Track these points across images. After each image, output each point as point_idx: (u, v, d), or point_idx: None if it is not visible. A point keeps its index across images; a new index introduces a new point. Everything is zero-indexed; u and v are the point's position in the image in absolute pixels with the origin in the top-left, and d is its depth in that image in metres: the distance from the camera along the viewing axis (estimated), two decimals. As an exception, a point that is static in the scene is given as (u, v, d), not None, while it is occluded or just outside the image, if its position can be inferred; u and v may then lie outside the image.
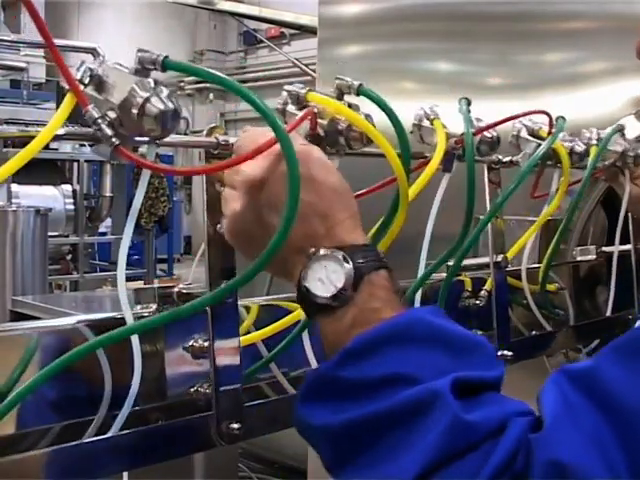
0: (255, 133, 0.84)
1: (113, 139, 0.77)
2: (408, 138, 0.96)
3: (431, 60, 2.48)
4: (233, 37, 17.78)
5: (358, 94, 0.95)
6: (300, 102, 0.97)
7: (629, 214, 1.69)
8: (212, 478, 2.75)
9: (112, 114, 0.77)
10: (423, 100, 1.25)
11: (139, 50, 0.79)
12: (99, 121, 0.77)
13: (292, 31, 14.58)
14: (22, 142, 0.75)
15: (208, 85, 16.76)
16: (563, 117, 1.37)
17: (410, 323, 0.73)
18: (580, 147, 1.44)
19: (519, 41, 2.26)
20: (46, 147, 0.75)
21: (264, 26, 15.65)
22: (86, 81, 0.78)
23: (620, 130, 1.53)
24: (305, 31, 12.65)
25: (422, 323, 0.74)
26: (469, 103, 1.20)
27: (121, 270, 0.85)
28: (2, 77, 12.40)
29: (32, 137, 0.74)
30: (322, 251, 0.76)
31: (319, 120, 0.95)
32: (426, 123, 1.20)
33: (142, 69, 0.79)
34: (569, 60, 2.22)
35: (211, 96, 17.08)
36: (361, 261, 0.76)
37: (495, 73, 2.30)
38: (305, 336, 1.07)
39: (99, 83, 0.78)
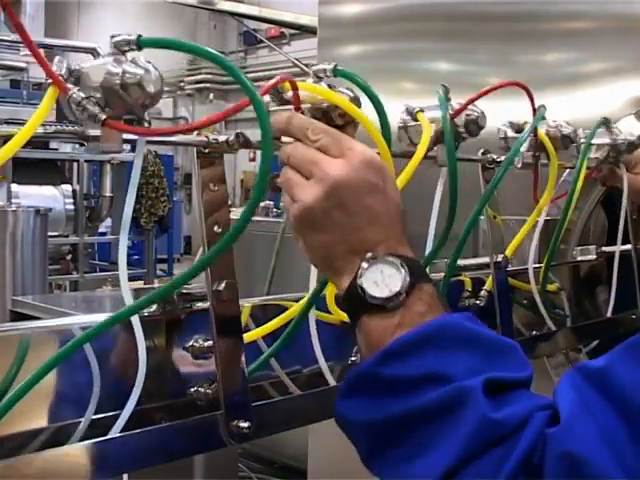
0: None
1: (100, 115, 0.78)
2: (387, 115, 0.98)
3: (431, 60, 2.48)
4: (233, 37, 17.77)
5: (335, 75, 0.97)
6: (279, 97, 0.98)
7: (629, 213, 1.69)
8: (212, 478, 2.75)
9: (97, 94, 0.79)
10: (423, 100, 1.25)
11: (111, 36, 0.81)
12: (84, 102, 0.78)
13: (292, 31, 14.57)
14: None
15: (208, 85, 16.77)
16: (544, 105, 1.38)
17: (447, 326, 0.79)
18: (567, 129, 1.45)
19: (519, 41, 2.26)
20: (46, 147, 0.76)
21: (264, 26, 15.64)
22: (66, 76, 0.79)
23: (605, 123, 1.55)
24: (305, 31, 12.65)
25: (458, 326, 0.79)
26: (447, 91, 1.21)
27: (123, 272, 0.85)
28: (2, 77, 12.40)
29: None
30: (380, 256, 0.81)
31: (302, 106, 0.95)
32: (411, 123, 1.21)
33: (119, 52, 0.80)
34: (569, 60, 2.22)
35: (211, 96, 17.08)
36: (414, 271, 0.80)
37: (495, 73, 2.30)
38: (314, 335, 1.07)
39: (78, 77, 0.80)
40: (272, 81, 0.92)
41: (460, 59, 2.35)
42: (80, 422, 0.90)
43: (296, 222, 0.85)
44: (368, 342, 0.80)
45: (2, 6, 0.69)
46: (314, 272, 1.03)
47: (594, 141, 1.53)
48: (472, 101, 1.22)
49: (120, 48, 0.80)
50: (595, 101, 2.07)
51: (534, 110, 1.39)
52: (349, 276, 0.81)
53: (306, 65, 12.14)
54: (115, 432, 0.88)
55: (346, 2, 2.75)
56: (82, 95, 0.78)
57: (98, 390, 0.91)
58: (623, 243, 1.70)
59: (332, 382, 1.12)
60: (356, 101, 0.96)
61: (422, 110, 1.20)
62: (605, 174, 1.63)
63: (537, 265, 1.58)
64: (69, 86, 0.78)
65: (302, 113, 0.95)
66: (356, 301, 0.81)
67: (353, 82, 0.96)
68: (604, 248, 1.86)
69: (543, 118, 1.40)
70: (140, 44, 0.80)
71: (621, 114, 1.88)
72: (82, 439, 0.88)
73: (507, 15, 2.33)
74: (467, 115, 1.22)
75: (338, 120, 0.95)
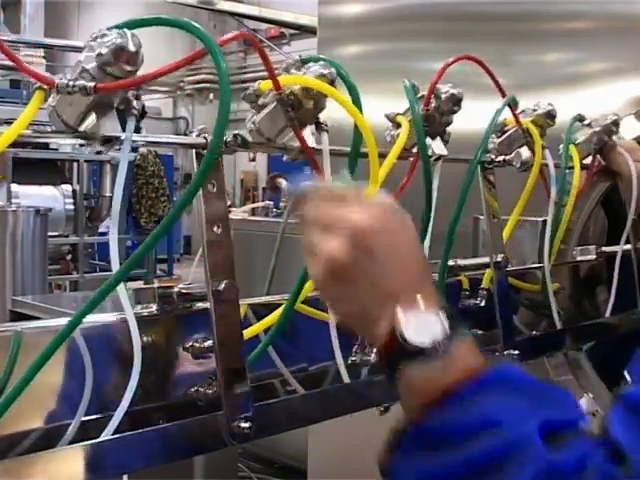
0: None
1: (89, 84, 0.80)
2: (360, 96, 1.04)
3: (431, 60, 2.47)
4: (233, 37, 17.75)
5: (303, 63, 1.04)
6: (255, 99, 1.03)
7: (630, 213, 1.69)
8: (212, 478, 2.75)
9: (86, 67, 0.82)
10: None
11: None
12: (71, 82, 0.80)
13: (292, 31, 14.57)
14: (22, 142, 0.76)
15: (208, 85, 16.76)
16: (513, 95, 1.41)
17: (498, 375, 0.79)
18: (544, 107, 1.47)
19: (519, 41, 2.26)
20: (46, 147, 0.76)
21: (264, 26, 15.64)
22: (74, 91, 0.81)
23: (579, 119, 1.57)
24: (305, 31, 12.66)
25: (508, 374, 0.80)
26: (414, 85, 1.24)
27: (116, 265, 0.86)
28: (2, 77, 12.40)
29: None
30: (420, 302, 0.78)
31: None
32: (394, 131, 1.23)
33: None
34: (569, 60, 2.22)
35: (211, 96, 17.07)
36: (449, 315, 0.79)
37: (495, 73, 2.30)
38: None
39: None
40: (231, 35, 0.99)
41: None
42: (78, 423, 0.90)
43: (324, 278, 0.81)
44: (411, 391, 0.78)
45: None
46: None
47: (579, 138, 1.57)
48: (434, 84, 1.24)
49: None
50: (595, 101, 2.07)
51: (500, 90, 1.41)
52: (386, 324, 0.78)
53: (306, 65, 12.13)
54: (109, 432, 0.88)
55: (346, 2, 2.75)
56: (68, 77, 0.81)
57: (89, 391, 0.91)
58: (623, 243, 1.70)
59: (346, 379, 1.12)
60: (330, 83, 1.01)
61: (400, 113, 1.24)
62: (599, 169, 1.64)
63: (537, 265, 1.58)
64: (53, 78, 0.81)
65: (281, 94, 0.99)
66: (397, 350, 0.78)
67: (318, 63, 1.03)
68: (604, 248, 1.86)
69: (515, 102, 1.41)
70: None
71: (621, 114, 1.87)
72: (82, 439, 0.87)
73: (507, 15, 2.32)
74: (436, 97, 1.23)
75: (308, 103, 1.00)
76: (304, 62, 1.04)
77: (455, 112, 1.24)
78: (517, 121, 1.41)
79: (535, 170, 1.44)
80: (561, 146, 1.53)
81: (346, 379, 1.12)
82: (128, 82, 0.84)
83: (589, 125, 1.59)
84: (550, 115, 1.46)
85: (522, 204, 1.46)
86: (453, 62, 1.27)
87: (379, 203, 0.83)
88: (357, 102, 1.04)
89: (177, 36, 16.80)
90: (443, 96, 1.23)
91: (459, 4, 2.39)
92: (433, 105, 1.23)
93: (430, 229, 1.21)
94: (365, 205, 0.81)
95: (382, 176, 1.09)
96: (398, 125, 1.22)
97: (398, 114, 1.23)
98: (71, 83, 0.80)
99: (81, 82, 0.80)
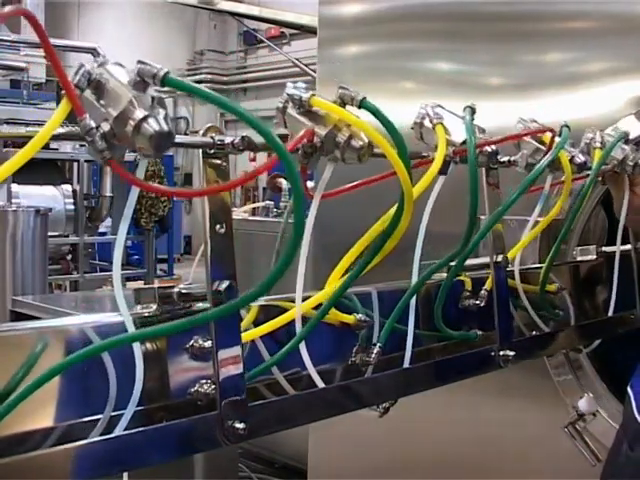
0: None
1: (104, 152, 0.77)
2: (407, 150, 0.99)
3: (431, 60, 2.47)
4: (233, 37, 17.77)
5: (360, 107, 0.96)
6: (302, 105, 0.98)
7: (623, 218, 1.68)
8: (212, 478, 2.75)
9: (106, 126, 0.76)
10: (423, 100, 1.25)
11: (139, 62, 0.78)
12: (93, 131, 0.76)
13: (292, 31, 14.58)
14: (22, 142, 0.75)
15: (208, 85, 16.76)
16: (567, 126, 1.37)
17: None
18: (580, 159, 1.44)
19: (519, 41, 2.25)
20: (46, 147, 0.76)
21: (264, 26, 15.65)
22: (84, 86, 0.77)
23: (624, 137, 1.53)
24: (305, 31, 12.65)
25: None
26: (474, 112, 1.20)
27: (117, 272, 0.85)
28: (2, 77, 12.40)
29: (29, 137, 0.73)
30: None
31: (317, 130, 0.97)
32: (428, 124, 1.21)
33: (141, 81, 0.78)
34: (569, 60, 2.22)
35: (211, 96, 17.08)
36: None
37: (495, 73, 2.30)
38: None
39: (97, 87, 0.78)
40: (300, 135, 0.94)
41: (460, 59, 2.35)
42: (81, 422, 0.90)
43: None
44: None
45: (23, 15, 0.68)
46: (301, 274, 1.02)
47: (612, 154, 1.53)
48: (498, 142, 1.24)
49: (144, 77, 0.77)
50: (595, 101, 2.07)
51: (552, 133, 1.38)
52: None
53: (306, 65, 12.14)
54: (119, 431, 0.88)
55: (346, 2, 2.75)
56: (92, 124, 0.76)
57: (115, 391, 0.91)
58: (623, 243, 1.70)
59: (320, 384, 1.11)
60: None
61: (442, 122, 1.20)
62: (608, 178, 1.62)
63: (538, 265, 1.58)
64: (86, 95, 0.77)
65: (313, 145, 0.96)
66: None
67: (379, 119, 0.96)
68: (604, 248, 1.86)
69: (566, 140, 1.38)
70: (165, 82, 0.77)
71: (621, 114, 1.87)
72: (82, 439, 0.88)
73: (507, 15, 2.32)
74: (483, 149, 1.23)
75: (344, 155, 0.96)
76: (362, 106, 0.96)
77: (478, 166, 1.24)
78: (549, 148, 1.39)
79: (565, 193, 1.43)
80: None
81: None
82: (146, 187, 0.83)
83: (626, 142, 1.55)
84: (582, 165, 1.45)
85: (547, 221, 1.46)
86: (526, 134, 1.31)
87: None
88: (406, 164, 1.00)
89: (177, 35, 16.81)
90: (491, 148, 1.23)
91: (459, 4, 2.39)
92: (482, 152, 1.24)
93: (424, 230, 1.20)
94: None
95: (417, 195, 1.08)
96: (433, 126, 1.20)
97: (440, 124, 1.20)
98: (93, 132, 0.76)
99: (99, 143, 0.76)
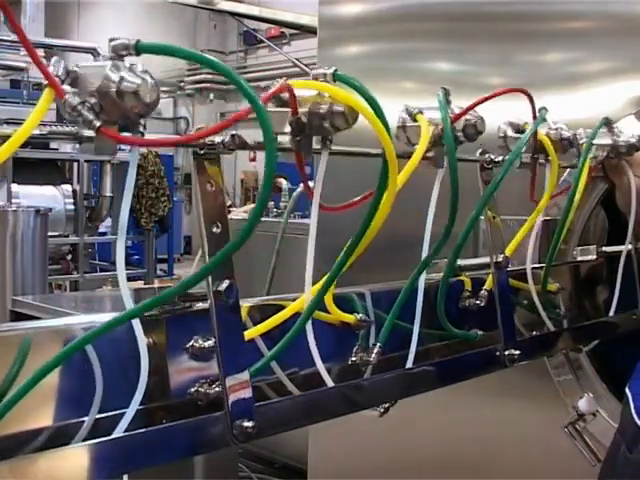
0: None
1: (94, 121, 0.78)
2: (389, 123, 0.99)
3: (431, 60, 2.48)
4: (233, 37, 17.77)
5: (335, 80, 0.98)
6: (280, 97, 0.98)
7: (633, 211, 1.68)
8: (212, 478, 2.75)
9: (92, 99, 0.78)
10: (423, 100, 1.25)
11: (110, 39, 0.80)
12: (79, 107, 0.78)
13: (292, 31, 14.58)
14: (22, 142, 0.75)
15: (208, 85, 16.77)
16: (545, 107, 1.38)
17: None
18: (567, 132, 1.45)
19: (519, 41, 2.25)
20: (46, 147, 0.76)
21: (264, 26, 15.65)
22: (62, 77, 0.78)
23: (607, 123, 1.54)
24: (305, 31, 12.66)
25: None
26: (447, 92, 1.21)
27: (121, 271, 0.85)
28: (2, 77, 12.41)
29: (29, 137, 0.74)
30: None
31: (300, 110, 0.97)
32: (410, 123, 1.21)
33: (117, 56, 0.80)
34: (569, 60, 2.21)
35: (211, 96, 17.09)
36: None
37: (495, 73, 2.30)
38: (310, 333, 1.06)
39: (75, 78, 0.79)
40: (274, 88, 0.93)
41: (460, 59, 2.35)
42: (82, 422, 0.90)
43: None
44: None
45: (1, 8, 0.69)
46: (309, 272, 1.02)
47: (595, 141, 1.53)
48: (473, 106, 1.22)
49: (118, 52, 0.80)
50: (595, 101, 2.07)
51: (534, 112, 1.39)
52: None
53: (306, 65, 12.14)
54: (119, 432, 0.88)
55: (346, 2, 2.75)
56: (77, 100, 0.78)
57: (101, 390, 0.91)
58: (623, 243, 1.70)
59: (330, 383, 1.11)
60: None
61: (421, 112, 1.21)
62: (609, 167, 1.62)
63: (538, 265, 1.58)
64: (65, 88, 0.78)
65: (299, 118, 0.95)
66: None
67: (351, 86, 0.97)
68: (604, 248, 1.86)
69: (544, 120, 1.39)
70: (138, 49, 0.80)
71: (621, 114, 1.87)
72: (83, 439, 0.88)
73: (507, 15, 2.32)
74: (466, 120, 1.22)
75: (333, 123, 0.96)
76: (337, 79, 0.98)
77: (469, 139, 1.23)
78: (535, 136, 1.40)
79: (551, 183, 1.43)
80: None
81: (330, 383, 1.11)
82: (134, 140, 0.82)
83: (612, 131, 1.56)
84: (568, 141, 1.45)
85: (536, 216, 1.46)
86: (502, 93, 1.28)
87: None
88: (381, 117, 0.99)
89: (177, 35, 16.80)
90: (473, 119, 1.22)
91: (459, 4, 2.39)
92: (458, 124, 1.22)
93: (429, 232, 1.20)
94: None
95: (402, 182, 1.08)
96: (414, 120, 1.20)
97: (420, 112, 1.20)
98: (79, 107, 0.78)
99: (87, 115, 0.78)
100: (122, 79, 0.79)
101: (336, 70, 0.97)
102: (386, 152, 0.99)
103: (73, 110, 0.78)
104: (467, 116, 1.22)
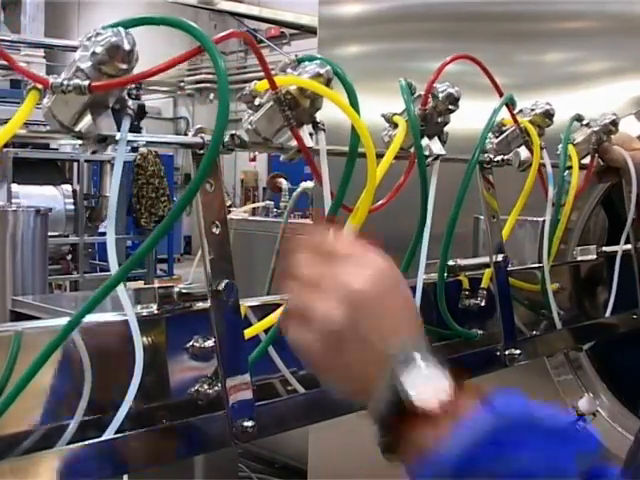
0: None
1: (84, 82, 0.79)
2: (357, 97, 1.02)
3: (431, 60, 2.47)
4: (233, 37, 17.74)
5: (299, 62, 1.04)
6: (252, 99, 1.02)
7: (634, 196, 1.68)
8: (212, 478, 2.75)
9: (81, 66, 0.81)
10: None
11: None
12: (65, 82, 0.80)
13: (292, 31, 14.57)
14: (23, 142, 0.75)
15: (208, 85, 16.75)
16: (511, 94, 1.41)
17: (508, 415, 0.72)
18: (542, 107, 1.47)
19: (519, 41, 2.26)
20: (46, 147, 0.76)
21: (264, 26, 15.64)
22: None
23: (577, 119, 1.58)
24: (305, 31, 12.66)
25: (519, 412, 0.73)
26: (410, 84, 1.23)
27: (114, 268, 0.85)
28: (2, 77, 12.40)
29: (29, 137, 0.74)
30: (416, 354, 0.74)
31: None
32: (393, 132, 1.22)
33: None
34: (569, 60, 2.22)
35: (211, 96, 17.07)
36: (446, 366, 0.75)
37: (495, 73, 2.30)
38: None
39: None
40: (227, 32, 0.97)
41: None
42: (77, 422, 0.90)
43: (321, 344, 0.75)
44: (414, 448, 0.73)
45: None
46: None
47: (577, 138, 1.57)
48: (432, 83, 1.24)
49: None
50: (595, 101, 2.07)
51: (497, 89, 1.40)
52: (385, 387, 0.73)
53: (306, 65, 12.12)
54: (110, 432, 0.88)
55: (346, 2, 2.75)
56: (62, 77, 0.80)
57: (89, 390, 0.91)
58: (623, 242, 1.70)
59: (300, 390, 1.11)
60: (327, 82, 1.01)
61: (396, 113, 1.23)
62: (601, 169, 1.64)
63: (537, 265, 1.58)
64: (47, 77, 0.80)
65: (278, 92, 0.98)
66: (400, 411, 0.72)
67: (314, 62, 1.04)
68: (604, 248, 1.86)
69: (513, 101, 1.41)
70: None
71: (621, 114, 1.87)
72: (82, 439, 0.88)
73: (507, 15, 2.32)
74: (441, 93, 1.23)
75: (305, 102, 1.00)
76: (300, 61, 1.03)
77: (452, 111, 1.24)
78: (515, 120, 1.41)
79: (533, 170, 1.44)
80: (559, 146, 1.53)
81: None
82: (122, 80, 0.83)
83: (587, 125, 1.59)
84: (548, 114, 1.46)
85: (521, 204, 1.46)
86: (451, 61, 1.27)
87: (374, 263, 0.77)
88: (354, 102, 1.03)
89: (176, 34, 16.80)
90: (440, 95, 1.23)
91: (459, 4, 2.39)
92: (430, 105, 1.23)
93: (429, 229, 1.21)
94: (360, 265, 0.76)
95: (379, 177, 1.09)
96: (395, 125, 1.22)
97: (395, 114, 1.22)
98: (65, 82, 0.79)
99: (76, 81, 0.79)
100: (106, 38, 0.83)
101: (296, 55, 1.06)
102: (354, 124, 1.01)
103: (61, 86, 0.79)
104: (435, 92, 1.23)
